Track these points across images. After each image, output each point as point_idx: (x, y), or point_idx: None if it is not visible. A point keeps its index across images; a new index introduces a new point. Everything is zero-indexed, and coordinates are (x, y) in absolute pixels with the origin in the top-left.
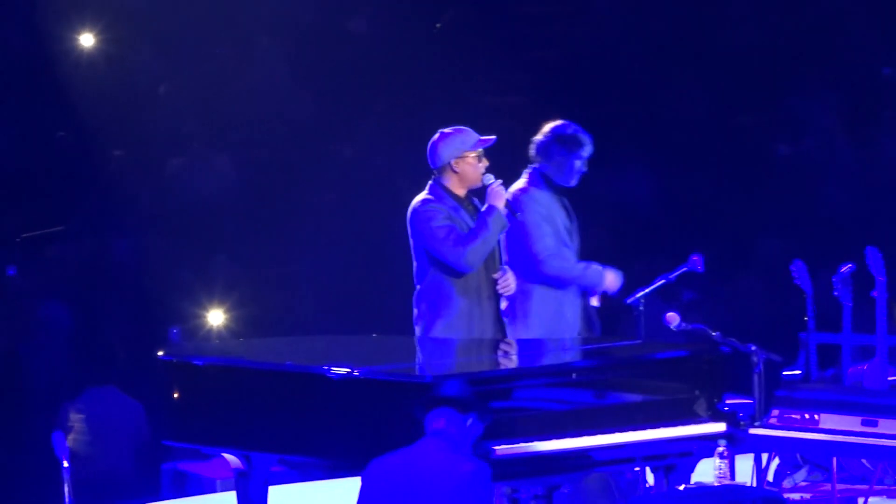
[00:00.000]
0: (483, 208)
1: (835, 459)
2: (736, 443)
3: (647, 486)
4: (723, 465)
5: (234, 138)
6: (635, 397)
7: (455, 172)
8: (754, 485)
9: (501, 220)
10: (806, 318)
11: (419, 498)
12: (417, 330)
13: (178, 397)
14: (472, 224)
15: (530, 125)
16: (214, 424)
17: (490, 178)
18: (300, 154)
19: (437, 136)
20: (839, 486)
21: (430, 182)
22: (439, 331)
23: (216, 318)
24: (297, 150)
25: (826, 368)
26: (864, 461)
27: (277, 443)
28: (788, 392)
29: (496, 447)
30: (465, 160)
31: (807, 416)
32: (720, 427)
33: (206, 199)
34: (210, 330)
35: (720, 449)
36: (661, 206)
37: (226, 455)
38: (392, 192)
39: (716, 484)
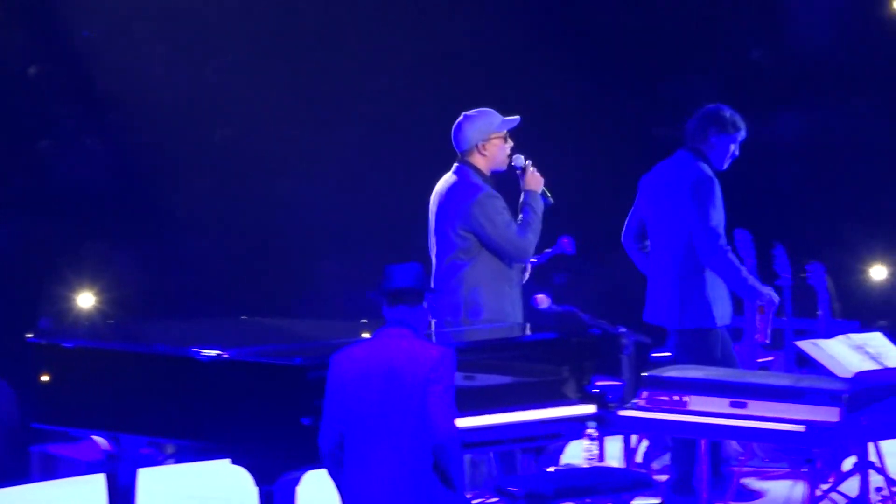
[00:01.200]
0: (523, 195)
1: (703, 441)
2: (605, 424)
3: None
4: (592, 446)
5: (107, 120)
6: (504, 379)
7: (483, 155)
8: (623, 466)
9: (542, 205)
10: None
11: (391, 383)
12: (433, 322)
13: (47, 380)
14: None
15: (406, 107)
16: (83, 407)
17: (520, 159)
18: (175, 137)
19: (461, 118)
20: None
21: (456, 165)
22: (491, 318)
23: (86, 300)
24: (173, 132)
25: None
26: (733, 443)
27: (147, 425)
28: (657, 374)
29: None
30: (490, 142)
31: (675, 397)
32: (590, 409)
33: (77, 182)
34: (80, 312)
35: (589, 430)
36: None
37: (95, 437)
38: (269, 174)
39: (585, 465)
